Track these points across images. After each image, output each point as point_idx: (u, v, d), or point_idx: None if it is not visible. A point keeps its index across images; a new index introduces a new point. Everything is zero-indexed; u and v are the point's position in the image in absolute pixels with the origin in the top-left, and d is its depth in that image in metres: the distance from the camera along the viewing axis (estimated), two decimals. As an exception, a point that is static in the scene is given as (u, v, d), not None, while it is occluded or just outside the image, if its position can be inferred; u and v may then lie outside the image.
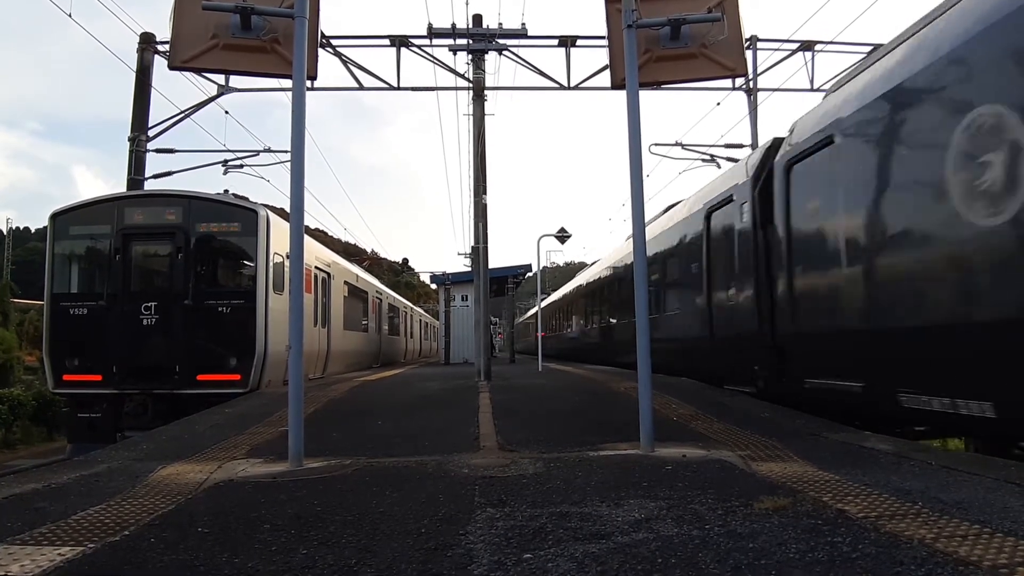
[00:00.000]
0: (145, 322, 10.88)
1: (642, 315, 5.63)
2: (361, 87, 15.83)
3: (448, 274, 26.40)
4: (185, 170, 18.00)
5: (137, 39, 15.40)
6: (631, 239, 11.86)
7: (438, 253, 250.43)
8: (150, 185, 15.50)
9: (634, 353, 5.63)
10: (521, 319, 51.69)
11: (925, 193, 5.63)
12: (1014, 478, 4.03)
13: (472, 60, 14.02)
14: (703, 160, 18.92)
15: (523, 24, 14.10)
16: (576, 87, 15.55)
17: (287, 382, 5.63)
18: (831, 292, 7.06)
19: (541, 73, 15.41)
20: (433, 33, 14.47)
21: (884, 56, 6.53)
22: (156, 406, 10.69)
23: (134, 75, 15.32)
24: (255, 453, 5.91)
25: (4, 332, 30.09)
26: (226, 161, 18.25)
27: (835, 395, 7.01)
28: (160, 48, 15.20)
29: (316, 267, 14.87)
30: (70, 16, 13.06)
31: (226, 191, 12.91)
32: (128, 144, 15.28)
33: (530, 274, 26.77)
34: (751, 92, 16.99)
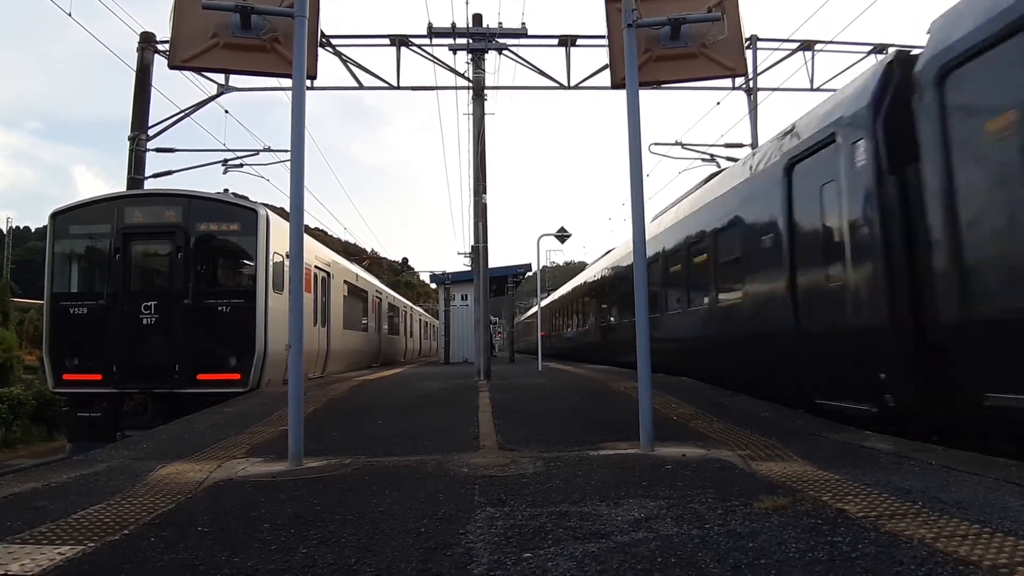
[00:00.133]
0: (145, 321, 10.88)
1: (642, 315, 5.62)
2: (361, 86, 15.84)
3: (448, 273, 26.40)
4: (185, 169, 18.14)
5: (137, 38, 15.41)
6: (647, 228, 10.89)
7: (438, 252, 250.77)
8: (150, 184, 15.51)
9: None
10: (521, 318, 51.68)
11: None
12: (1014, 478, 4.04)
13: (472, 59, 14.02)
14: (703, 160, 18.93)
15: (523, 24, 14.11)
16: (576, 87, 15.55)
17: (287, 381, 5.63)
18: None
19: (541, 73, 15.42)
20: (433, 32, 14.46)
21: None
22: (156, 405, 10.69)
23: (134, 74, 15.32)
24: (255, 452, 5.91)
25: (4, 331, 30.13)
26: (226, 160, 18.25)
27: None
28: (160, 47, 15.20)
29: (316, 266, 14.87)
30: (70, 15, 13.07)
31: (226, 190, 12.93)
32: (128, 143, 15.29)
33: (530, 273, 26.78)
34: (751, 92, 16.99)
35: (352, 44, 15.59)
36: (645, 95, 6.22)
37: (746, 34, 8.37)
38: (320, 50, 6.26)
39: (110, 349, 10.77)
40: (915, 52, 6.22)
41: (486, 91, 14.25)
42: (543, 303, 31.51)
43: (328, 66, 19.86)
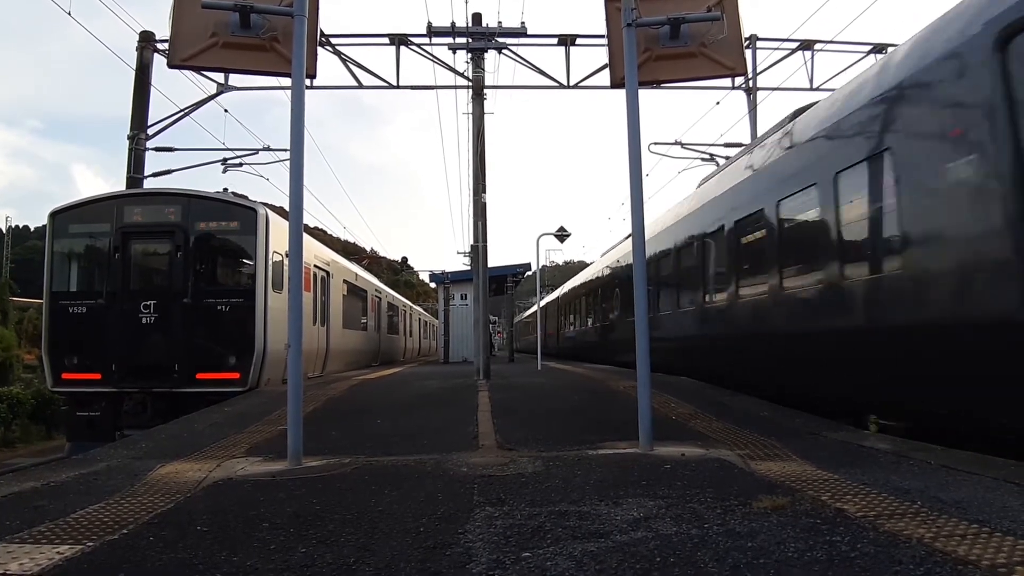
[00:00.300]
0: (144, 321, 10.87)
1: (641, 315, 5.62)
2: (360, 86, 15.82)
3: (447, 273, 26.38)
4: (184, 168, 17.99)
5: (137, 37, 15.39)
6: (669, 212, 10.45)
7: (437, 252, 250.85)
8: (150, 183, 15.49)
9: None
10: (520, 318, 51.65)
11: None
12: (1013, 477, 4.04)
13: (471, 59, 14.02)
14: (702, 159, 18.93)
15: (523, 23, 14.11)
16: (576, 86, 15.54)
17: (286, 381, 5.63)
18: None
19: (541, 72, 15.40)
20: (433, 32, 14.45)
21: None
22: (155, 404, 10.68)
23: (133, 73, 15.30)
24: (254, 452, 5.90)
25: (3, 330, 30.12)
26: (225, 159, 18.25)
27: None
28: (159, 46, 15.17)
29: (315, 266, 14.86)
30: (69, 14, 13.05)
31: (225, 189, 12.92)
32: (128, 142, 15.27)
33: (529, 273, 26.75)
34: (750, 91, 16.98)
35: (351, 43, 15.58)
36: (645, 95, 6.23)
37: (746, 34, 8.34)
38: (319, 49, 6.26)
39: (109, 348, 10.76)
40: None
41: (485, 90, 14.26)
42: (545, 301, 31.34)
43: (327, 65, 19.83)
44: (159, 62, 15.39)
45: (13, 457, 14.72)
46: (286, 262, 10.40)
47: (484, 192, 13.97)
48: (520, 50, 14.88)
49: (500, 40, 13.92)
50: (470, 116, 14.31)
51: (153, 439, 6.92)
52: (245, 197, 12.39)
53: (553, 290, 36.49)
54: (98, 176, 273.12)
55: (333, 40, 15.14)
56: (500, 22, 14.00)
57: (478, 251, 14.11)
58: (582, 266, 33.17)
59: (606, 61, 6.59)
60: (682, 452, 5.26)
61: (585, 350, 22.55)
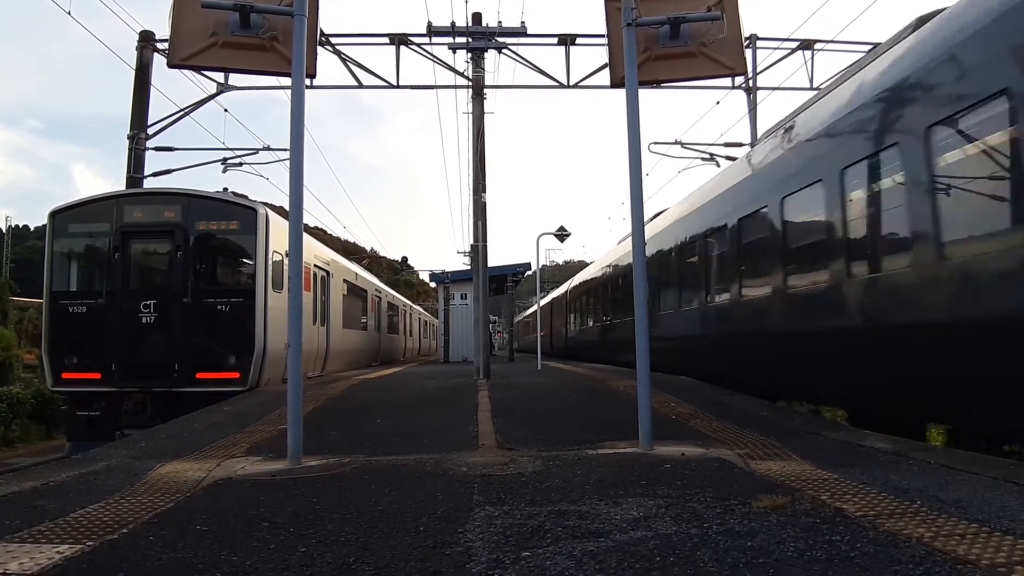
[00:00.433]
0: (144, 320, 10.87)
1: (641, 315, 5.62)
2: (360, 85, 15.82)
3: (447, 272, 26.39)
4: (184, 168, 17.94)
5: (136, 37, 15.38)
6: (698, 193, 10.03)
7: (437, 251, 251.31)
8: (149, 183, 15.48)
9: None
10: (520, 317, 51.63)
11: None
12: (1012, 477, 4.04)
13: (471, 58, 14.02)
14: (702, 159, 18.92)
15: (522, 22, 14.12)
16: (575, 85, 15.53)
17: (286, 380, 5.63)
18: None
19: (541, 71, 15.40)
20: (433, 31, 14.46)
21: None
22: (155, 404, 10.68)
23: (133, 73, 15.30)
24: (254, 451, 5.90)
25: (3, 330, 30.13)
26: (225, 159, 18.25)
27: None
28: (159, 46, 15.16)
29: (315, 265, 14.86)
30: (69, 14, 13.04)
31: (225, 189, 12.92)
32: (127, 142, 15.27)
33: (529, 272, 26.76)
34: (750, 91, 16.98)
35: (351, 43, 15.58)
36: (644, 94, 6.24)
37: (745, 33, 8.32)
38: (319, 49, 6.26)
39: (109, 348, 10.76)
40: None
41: (485, 90, 14.27)
42: (545, 301, 31.05)
43: (327, 65, 19.84)
44: (159, 62, 15.39)
45: (13, 457, 14.74)
46: (286, 262, 10.41)
47: (484, 192, 13.98)
48: (520, 50, 14.90)
49: (500, 40, 13.93)
50: (470, 116, 14.33)
51: (153, 439, 6.92)
52: (245, 197, 12.40)
53: (553, 289, 36.05)
54: (98, 176, 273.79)
55: (333, 40, 15.14)
56: (500, 22, 14.03)
57: (478, 251, 14.11)
58: (582, 266, 32.99)
59: (606, 61, 6.59)
60: (682, 452, 5.26)
61: (589, 349, 22.04)
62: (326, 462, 5.24)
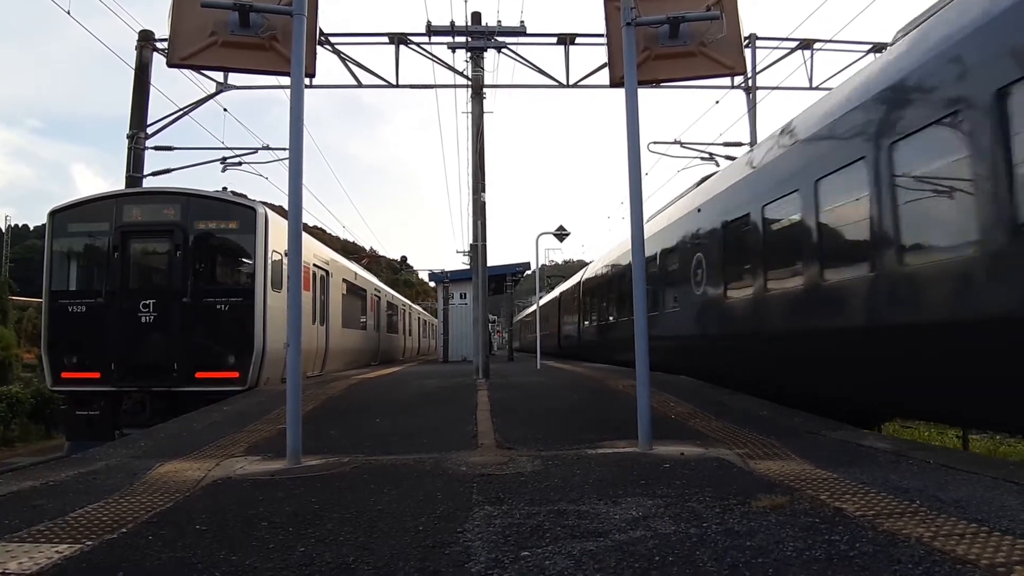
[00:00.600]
0: (143, 320, 10.87)
1: (640, 314, 5.61)
2: (360, 85, 15.81)
3: (447, 272, 26.36)
4: (184, 168, 17.90)
5: (136, 37, 15.37)
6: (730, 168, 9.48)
7: (437, 251, 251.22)
8: (149, 183, 15.47)
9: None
10: (520, 316, 51.60)
11: None
12: (1012, 477, 4.04)
13: (471, 58, 14.02)
14: (701, 158, 18.92)
15: (522, 22, 14.12)
16: (575, 85, 15.52)
17: (285, 380, 5.63)
18: None
19: (540, 71, 15.40)
20: (432, 31, 14.45)
21: None
22: (154, 404, 10.69)
23: (133, 73, 15.29)
24: (253, 451, 5.90)
25: (3, 330, 30.12)
26: (224, 159, 18.24)
27: None
28: (159, 45, 15.15)
29: (314, 265, 14.86)
30: (68, 14, 13.04)
31: (224, 188, 12.92)
32: (127, 142, 15.27)
33: (529, 272, 26.74)
34: (750, 91, 16.98)
35: (351, 42, 15.56)
36: (644, 94, 6.23)
37: (745, 33, 8.33)
38: (319, 48, 6.25)
39: (108, 347, 10.76)
40: None
41: (485, 89, 14.27)
42: (554, 293, 30.57)
43: (327, 64, 19.82)
44: (158, 61, 15.38)
45: (12, 456, 14.74)
46: (285, 261, 10.40)
47: (483, 191, 13.97)
48: (519, 49, 14.90)
49: (499, 39, 13.93)
50: (469, 115, 14.33)
51: (152, 438, 6.92)
52: (244, 196, 12.38)
53: (558, 284, 35.28)
54: (97, 175, 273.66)
55: (332, 39, 15.13)
56: (499, 21, 14.03)
57: (477, 250, 14.10)
58: (581, 265, 32.87)
59: (605, 60, 6.59)
60: (681, 451, 5.26)
61: (607, 349, 19.09)
62: (325, 462, 5.24)
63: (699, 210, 11.43)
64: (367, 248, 70.91)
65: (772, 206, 8.66)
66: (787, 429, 6.33)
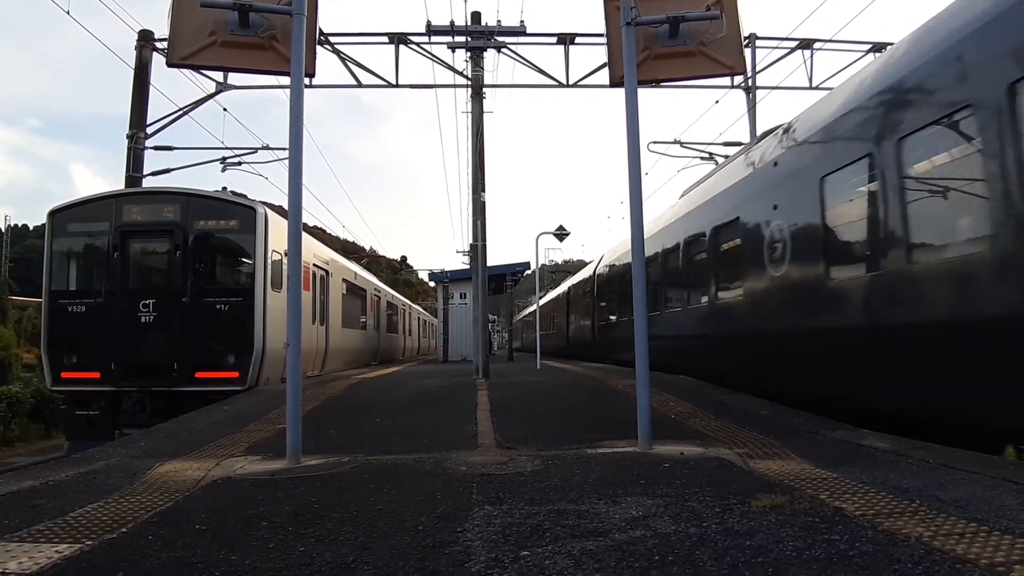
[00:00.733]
0: (143, 319, 10.87)
1: (640, 314, 5.62)
2: (360, 84, 15.81)
3: (447, 272, 26.36)
4: (183, 167, 17.90)
5: (135, 36, 15.37)
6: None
7: (437, 251, 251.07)
8: (148, 182, 15.48)
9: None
10: (521, 316, 51.59)
11: None
12: (1012, 476, 4.04)
13: (471, 58, 14.02)
14: (701, 158, 18.93)
15: (521, 22, 14.13)
16: (575, 85, 15.53)
17: (285, 380, 5.63)
18: None
19: (540, 71, 15.40)
20: (432, 31, 14.45)
21: None
22: (154, 403, 10.68)
23: (132, 72, 15.29)
24: (253, 450, 5.90)
25: (2, 329, 30.11)
26: (224, 158, 18.25)
27: None
28: (158, 45, 15.16)
29: (314, 265, 14.86)
30: (68, 13, 13.04)
31: (224, 188, 12.92)
32: (126, 141, 15.27)
33: (528, 272, 26.73)
34: (750, 90, 16.98)
35: (351, 42, 15.56)
36: (644, 93, 6.22)
37: (745, 32, 8.31)
38: (318, 48, 6.25)
39: (108, 347, 10.76)
40: None
41: (485, 89, 14.27)
42: (561, 288, 30.23)
43: (326, 64, 19.80)
44: (158, 61, 15.38)
45: (12, 456, 14.74)
46: (285, 261, 10.40)
47: (483, 191, 13.97)
48: (519, 49, 14.90)
49: (499, 39, 13.93)
50: (469, 115, 14.34)
51: (152, 438, 6.92)
52: (244, 196, 12.39)
53: (559, 284, 34.63)
54: (97, 175, 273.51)
55: (332, 39, 15.13)
56: (499, 21, 14.03)
57: (477, 250, 14.10)
58: (581, 265, 32.81)
59: (605, 60, 6.59)
60: (681, 451, 5.27)
61: (611, 349, 17.86)
62: (325, 461, 5.24)
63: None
64: (367, 248, 70.91)
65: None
66: (787, 429, 6.33)
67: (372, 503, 3.90)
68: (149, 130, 15.57)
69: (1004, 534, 2.94)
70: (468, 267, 18.79)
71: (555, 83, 15.53)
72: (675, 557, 2.79)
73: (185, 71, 7.53)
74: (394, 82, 15.50)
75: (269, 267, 11.50)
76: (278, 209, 12.33)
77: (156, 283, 11.56)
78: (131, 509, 3.89)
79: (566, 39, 15.38)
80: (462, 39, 13.92)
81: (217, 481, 4.67)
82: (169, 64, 5.98)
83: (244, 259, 11.61)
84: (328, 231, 42.70)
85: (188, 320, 10.93)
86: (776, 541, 2.94)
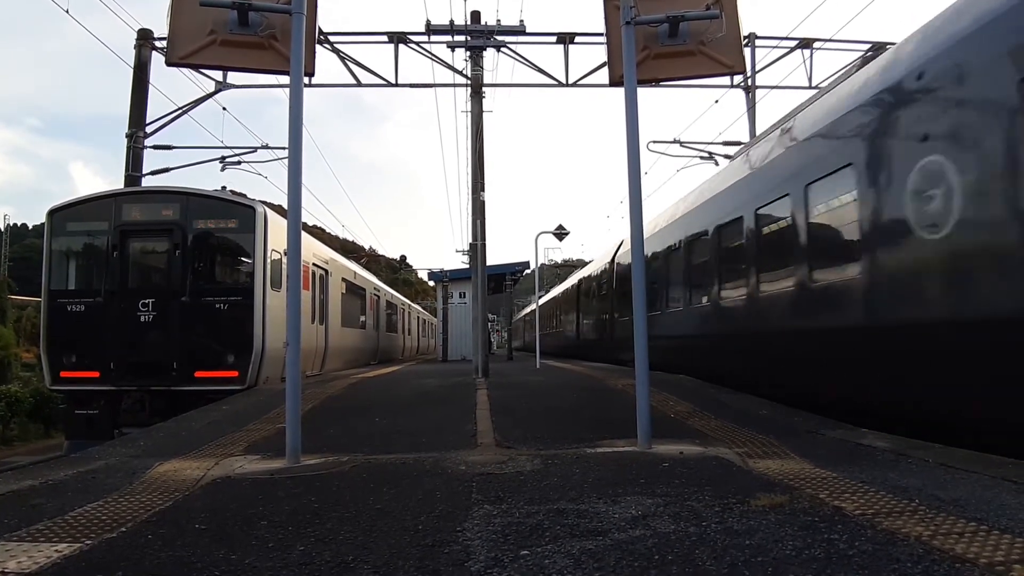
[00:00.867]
0: (143, 319, 10.87)
1: (640, 314, 5.62)
2: (359, 84, 15.81)
3: (446, 271, 26.36)
4: (183, 166, 17.87)
5: (135, 35, 15.36)
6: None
7: (436, 250, 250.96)
8: (148, 182, 15.47)
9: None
10: (521, 315, 51.58)
11: None
12: (1011, 476, 4.04)
13: (470, 57, 14.01)
14: (701, 158, 18.92)
15: (521, 21, 14.13)
16: (574, 84, 15.53)
17: (284, 379, 5.63)
18: None
19: (539, 70, 15.40)
20: (431, 30, 14.45)
21: None
22: (153, 403, 10.68)
23: (132, 71, 15.28)
24: (252, 450, 5.90)
25: (2, 329, 30.06)
26: (224, 158, 18.22)
27: None
28: (158, 44, 15.14)
29: (314, 264, 14.86)
30: (67, 12, 13.03)
31: (224, 188, 12.91)
32: (126, 140, 15.26)
33: (528, 271, 26.73)
34: (749, 90, 16.98)
35: (350, 41, 15.57)
36: (643, 93, 6.21)
37: (744, 32, 8.30)
38: (318, 47, 6.25)
39: (108, 347, 10.76)
40: None
41: (484, 88, 14.26)
42: (567, 283, 29.96)
43: (326, 63, 19.81)
44: (157, 60, 15.36)
45: (11, 455, 14.74)
46: (284, 260, 10.40)
47: (483, 190, 13.97)
48: (519, 48, 14.90)
49: (499, 38, 13.92)
50: (469, 114, 14.34)
51: (151, 437, 6.92)
52: (243, 195, 12.41)
53: (564, 279, 34.18)
54: (96, 174, 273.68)
55: (332, 38, 15.13)
56: (499, 20, 14.03)
57: (477, 249, 14.10)
58: (581, 264, 32.72)
59: (605, 59, 6.59)
60: (680, 450, 5.27)
61: (631, 348, 15.02)
62: (325, 461, 5.24)
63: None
64: (366, 247, 70.92)
65: None
66: (786, 428, 6.34)
67: (371, 502, 3.90)
68: (148, 129, 15.56)
69: (1003, 533, 2.94)
70: (468, 266, 18.81)
71: (555, 82, 15.53)
72: (674, 556, 2.79)
73: (184, 70, 7.53)
74: (394, 81, 15.50)
75: (268, 266, 11.49)
76: (278, 208, 12.32)
77: (155, 282, 11.55)
78: (130, 508, 3.89)
79: (566, 38, 15.38)
80: (462, 38, 13.92)
81: (216, 480, 4.66)
82: (168, 63, 5.97)
83: (243, 258, 11.61)
84: (327, 230, 42.72)
85: (187, 319, 10.93)
86: (775, 540, 2.94)
